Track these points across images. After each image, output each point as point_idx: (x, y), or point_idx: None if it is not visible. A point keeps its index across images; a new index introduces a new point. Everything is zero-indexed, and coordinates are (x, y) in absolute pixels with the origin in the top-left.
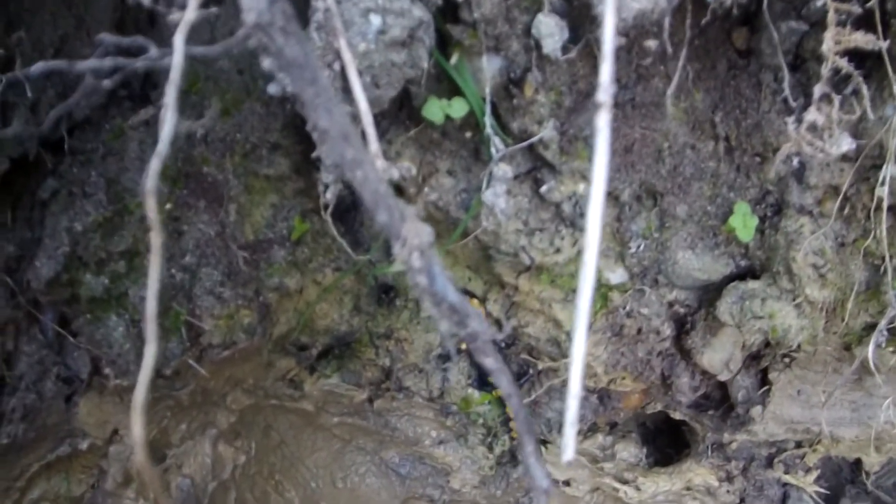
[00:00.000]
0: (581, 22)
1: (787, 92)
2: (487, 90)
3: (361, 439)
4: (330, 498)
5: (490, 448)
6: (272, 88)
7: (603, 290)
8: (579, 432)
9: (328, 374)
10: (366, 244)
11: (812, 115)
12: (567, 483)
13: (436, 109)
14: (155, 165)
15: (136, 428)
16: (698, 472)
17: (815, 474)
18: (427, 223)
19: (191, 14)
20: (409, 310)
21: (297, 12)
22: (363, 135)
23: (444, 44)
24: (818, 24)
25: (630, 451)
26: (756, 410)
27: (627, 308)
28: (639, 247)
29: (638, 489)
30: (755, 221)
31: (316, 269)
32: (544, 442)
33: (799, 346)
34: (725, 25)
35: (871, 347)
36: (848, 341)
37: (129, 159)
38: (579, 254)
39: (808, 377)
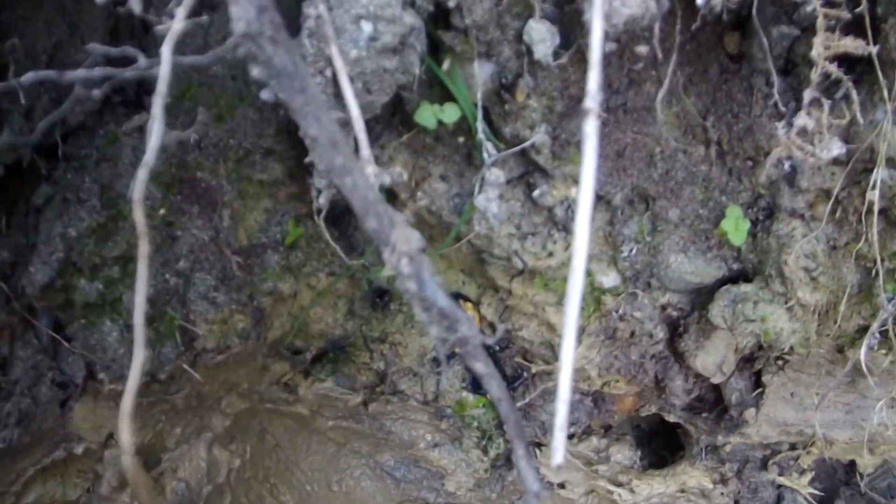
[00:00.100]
0: (572, 28)
1: (776, 97)
2: (479, 95)
3: (356, 443)
4: (325, 501)
5: (485, 451)
6: (265, 94)
7: (596, 293)
8: (574, 435)
9: (323, 378)
10: (360, 249)
11: (802, 119)
12: (562, 486)
13: (428, 115)
14: (142, 175)
15: (124, 434)
16: (692, 475)
17: (809, 476)
18: (420, 228)
19: (178, 25)
20: (404, 314)
21: (288, 19)
22: (355, 140)
23: (435, 50)
24: (809, 29)
25: (624, 453)
26: (750, 413)
27: (620, 311)
28: (631, 250)
29: (632, 491)
30: (747, 225)
31: (310, 274)
32: (539, 445)
33: (792, 348)
34: (717, 30)
35: (863, 350)
36: (841, 344)
37: (123, 165)
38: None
39: (802, 379)
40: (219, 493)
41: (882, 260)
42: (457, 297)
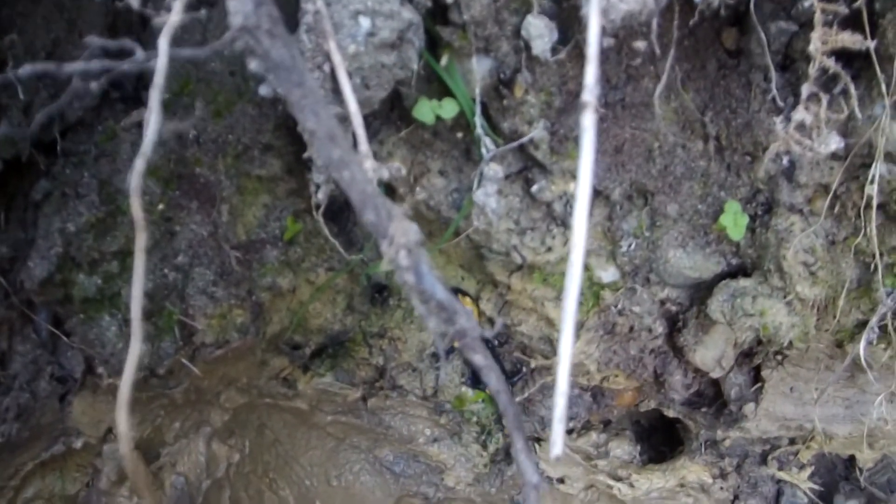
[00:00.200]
0: (570, 23)
1: (774, 92)
2: (477, 91)
3: (355, 438)
4: (324, 496)
5: (484, 446)
6: (263, 90)
7: (595, 288)
8: (573, 430)
9: (322, 373)
10: (358, 244)
11: (800, 114)
12: (561, 480)
13: (426, 110)
14: (139, 166)
15: (122, 423)
16: (692, 470)
17: (808, 471)
18: (419, 223)
19: (175, 17)
20: (403, 309)
21: (286, 15)
22: (353, 136)
23: (433, 45)
24: (807, 25)
25: (624, 448)
26: (749, 408)
27: (619, 306)
28: (630, 245)
29: (632, 486)
30: (746, 220)
31: (309, 269)
32: (538, 440)
33: (791, 343)
34: (714, 26)
35: (862, 344)
36: (840, 338)
37: (122, 161)
38: None
39: (801, 374)
40: (218, 487)
41: (881, 254)
42: (455, 292)
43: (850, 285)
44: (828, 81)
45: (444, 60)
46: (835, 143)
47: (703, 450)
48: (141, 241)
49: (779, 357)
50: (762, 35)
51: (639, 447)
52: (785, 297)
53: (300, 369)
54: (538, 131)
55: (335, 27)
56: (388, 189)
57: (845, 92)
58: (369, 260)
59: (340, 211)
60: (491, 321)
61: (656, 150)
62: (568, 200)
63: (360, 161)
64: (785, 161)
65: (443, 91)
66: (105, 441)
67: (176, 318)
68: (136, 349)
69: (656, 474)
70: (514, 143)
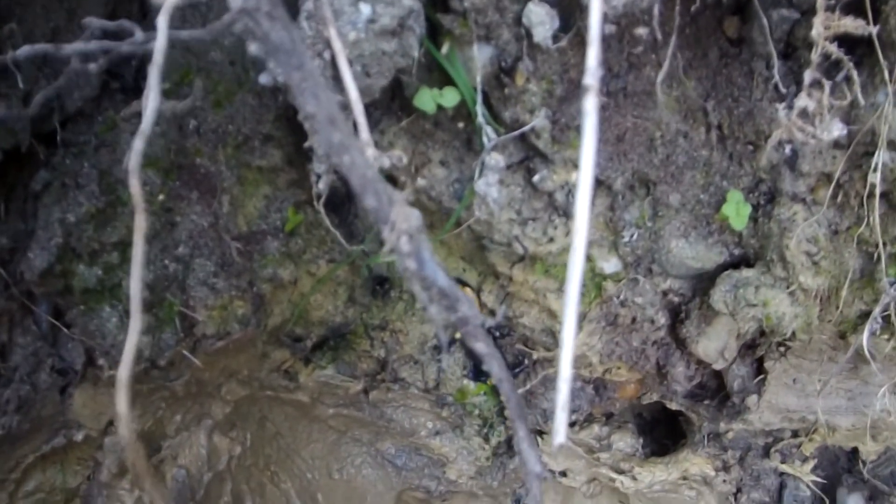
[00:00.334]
0: (571, 10)
1: (776, 79)
2: (479, 79)
3: (357, 430)
4: (326, 489)
5: (486, 439)
6: (263, 79)
7: (597, 279)
8: (575, 423)
9: (323, 366)
10: (360, 235)
11: (803, 100)
12: (563, 473)
13: (427, 99)
14: (138, 145)
15: (121, 405)
16: (695, 462)
17: (811, 463)
18: (419, 212)
19: None
20: (404, 301)
21: (286, 1)
22: (354, 124)
23: (434, 33)
24: (809, 12)
25: (626, 441)
26: (752, 399)
27: (621, 297)
28: (632, 236)
29: (634, 479)
30: (748, 209)
31: (310, 261)
32: (540, 432)
33: (794, 334)
34: (716, 14)
35: (865, 335)
36: (843, 329)
37: (122, 151)
38: None
39: (804, 366)
40: (219, 480)
41: (884, 244)
42: (455, 282)
43: (853, 275)
44: (830, 68)
45: (444, 48)
46: (837, 130)
47: (705, 442)
48: (140, 222)
49: (781, 348)
50: (764, 23)
51: (641, 440)
52: (788, 287)
53: (301, 361)
54: (540, 120)
55: (335, 14)
56: (389, 179)
57: (848, 79)
58: (370, 251)
59: (341, 202)
60: (492, 313)
61: (658, 140)
62: (570, 190)
63: (360, 146)
64: (787, 150)
65: (444, 80)
66: (106, 433)
67: (177, 309)
68: (135, 328)
69: (659, 467)
70: (516, 133)
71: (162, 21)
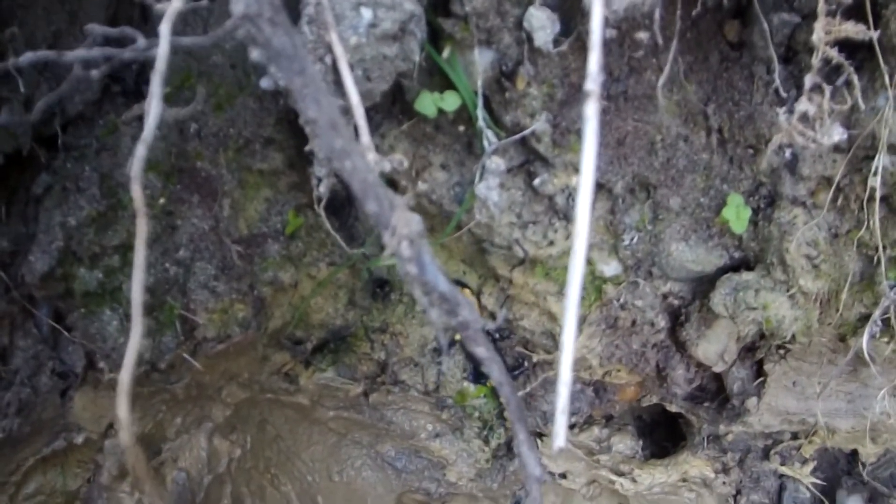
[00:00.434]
0: (572, 15)
1: (777, 83)
2: (479, 83)
3: (357, 433)
4: (326, 492)
5: (486, 441)
6: (265, 83)
7: (597, 282)
8: (575, 425)
9: (323, 368)
10: (360, 238)
11: (803, 105)
12: (563, 475)
13: (428, 103)
14: (140, 151)
15: (122, 409)
16: (694, 464)
17: (811, 466)
18: (420, 216)
19: (177, 3)
20: (405, 304)
21: (288, 7)
22: (356, 129)
23: (435, 37)
24: (810, 17)
25: (626, 443)
26: (751, 402)
27: (622, 300)
28: (632, 239)
29: (634, 481)
30: (748, 213)
31: (310, 264)
32: (540, 435)
33: (793, 337)
34: (717, 18)
35: (865, 338)
36: (843, 332)
37: (123, 155)
38: None
39: (804, 368)
40: (219, 482)
41: (884, 247)
42: (455, 284)
43: (853, 278)
44: (830, 72)
45: (445, 52)
46: (838, 133)
47: (705, 444)
48: (142, 226)
49: (781, 351)
50: (765, 27)
51: (641, 442)
52: (788, 290)
53: (302, 364)
54: (540, 124)
55: (337, 18)
56: (390, 183)
57: (848, 83)
58: (371, 254)
59: (342, 205)
60: (493, 316)
61: (659, 143)
62: (570, 194)
63: (361, 150)
64: (787, 153)
65: (445, 84)
66: (106, 436)
67: (177, 312)
68: (137, 332)
69: (658, 469)
70: (517, 136)
71: (164, 29)
